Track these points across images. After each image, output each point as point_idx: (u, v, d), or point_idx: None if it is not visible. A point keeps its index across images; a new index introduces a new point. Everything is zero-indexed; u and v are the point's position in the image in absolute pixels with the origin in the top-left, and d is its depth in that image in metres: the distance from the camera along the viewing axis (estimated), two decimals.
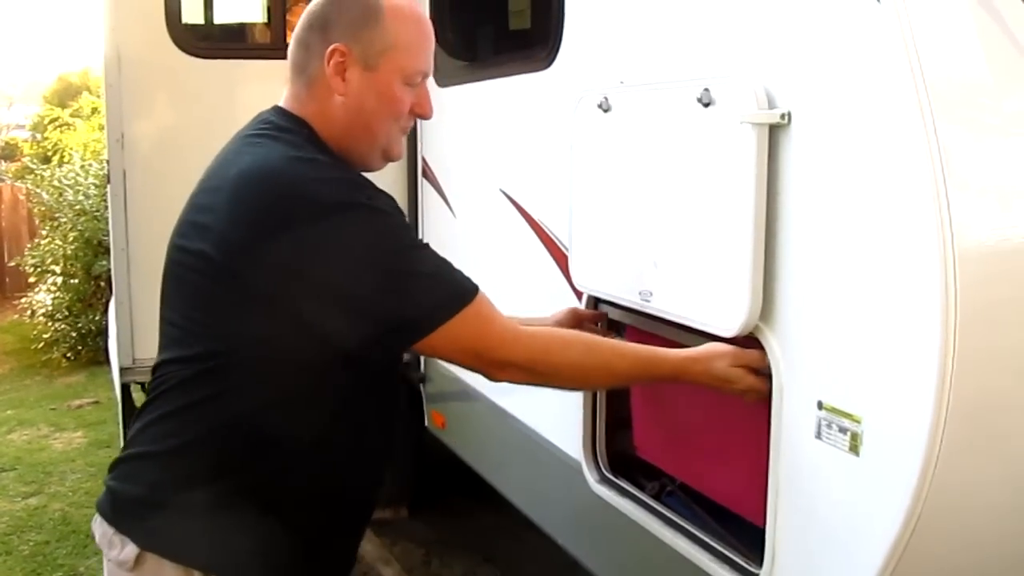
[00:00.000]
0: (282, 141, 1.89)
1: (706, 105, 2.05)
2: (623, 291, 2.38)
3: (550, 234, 2.95)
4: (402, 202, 4.15)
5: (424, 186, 4.05)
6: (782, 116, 1.91)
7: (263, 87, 4.23)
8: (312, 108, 1.94)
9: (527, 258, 3.09)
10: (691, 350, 2.04)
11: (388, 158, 2.00)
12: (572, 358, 1.94)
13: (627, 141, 2.37)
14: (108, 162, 4.06)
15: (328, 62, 1.90)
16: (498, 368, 1.91)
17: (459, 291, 1.85)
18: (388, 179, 4.16)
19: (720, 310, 2.03)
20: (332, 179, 1.82)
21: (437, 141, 3.96)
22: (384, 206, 1.82)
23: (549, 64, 2.96)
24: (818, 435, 1.88)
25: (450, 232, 3.84)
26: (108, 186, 4.11)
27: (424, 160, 4.04)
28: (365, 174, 1.97)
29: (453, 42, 3.94)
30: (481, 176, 3.53)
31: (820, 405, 1.87)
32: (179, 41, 3.97)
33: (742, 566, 2.12)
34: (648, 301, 2.27)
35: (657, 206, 2.25)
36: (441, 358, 1.94)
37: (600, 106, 2.45)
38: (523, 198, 3.15)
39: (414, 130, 4.11)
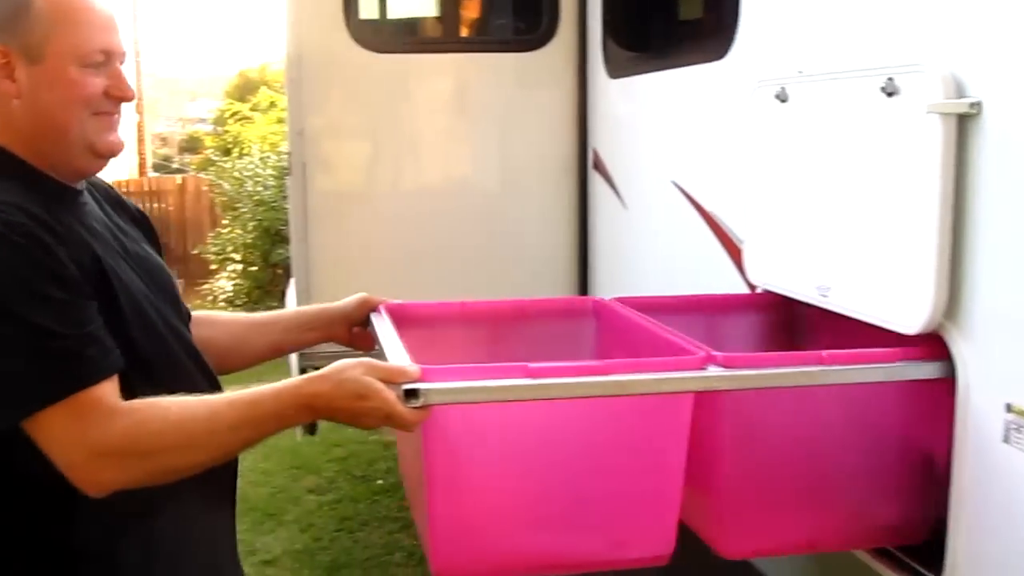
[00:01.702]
0: None
1: (890, 95, 1.99)
2: (800, 285, 2.33)
3: (723, 227, 2.91)
4: (572, 194, 4.17)
5: (594, 178, 4.05)
6: (972, 106, 1.83)
7: (435, 81, 4.33)
8: None
9: (699, 251, 3.05)
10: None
11: (97, 153, 1.77)
12: (172, 421, 1.62)
13: (806, 132, 2.32)
14: (289, 155, 4.20)
15: None
16: (95, 460, 1.59)
17: (72, 370, 1.58)
18: (557, 169, 4.19)
19: (902, 306, 1.97)
20: None
21: (608, 133, 3.96)
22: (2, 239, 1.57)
23: (724, 54, 2.92)
24: (1006, 439, 1.81)
25: (620, 224, 3.84)
26: (288, 178, 4.24)
27: (595, 152, 4.04)
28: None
29: (623, 33, 3.93)
30: (653, 168, 3.51)
31: (1009, 408, 1.80)
32: (356, 36, 4.07)
33: (921, 573, 2.06)
34: (826, 296, 2.22)
35: (837, 199, 2.19)
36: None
37: (777, 96, 2.40)
38: (696, 190, 3.12)
39: (583, 121, 4.11)
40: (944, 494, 1.99)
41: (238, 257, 10.92)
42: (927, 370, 1.94)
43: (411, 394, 1.67)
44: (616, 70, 3.87)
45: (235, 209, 11.31)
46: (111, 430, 1.58)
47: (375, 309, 2.21)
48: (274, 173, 10.75)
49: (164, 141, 33.63)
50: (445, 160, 4.39)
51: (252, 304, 10.41)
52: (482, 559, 1.88)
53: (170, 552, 1.81)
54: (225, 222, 12.02)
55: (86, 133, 1.74)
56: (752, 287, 2.60)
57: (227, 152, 15.12)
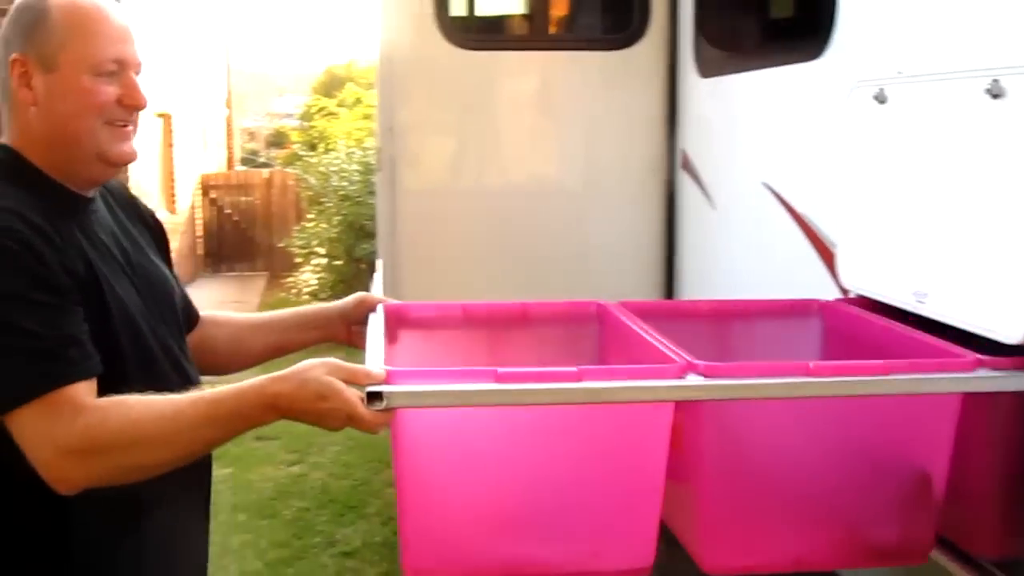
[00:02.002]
0: None
1: (995, 96, 1.94)
2: (896, 291, 2.28)
3: (815, 229, 2.87)
4: (658, 194, 4.14)
5: (683, 178, 4.02)
6: None
7: (523, 79, 4.33)
8: (16, 129, 1.84)
9: (789, 253, 3.01)
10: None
11: (107, 161, 1.83)
12: (134, 418, 1.65)
13: (905, 134, 2.27)
14: (378, 151, 4.22)
15: (12, 75, 1.80)
16: (61, 457, 1.62)
17: (49, 369, 1.64)
18: (644, 170, 4.16)
19: (1004, 315, 1.91)
20: None
21: (698, 133, 3.92)
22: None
23: (819, 54, 2.88)
24: None
25: (709, 225, 3.80)
26: (377, 173, 4.27)
27: (684, 152, 4.01)
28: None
29: (716, 32, 3.89)
30: (743, 168, 3.47)
31: None
32: (447, 32, 4.08)
33: None
34: (923, 303, 2.17)
35: (937, 203, 2.14)
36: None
37: (876, 97, 2.36)
38: (788, 192, 3.08)
39: (673, 121, 4.08)
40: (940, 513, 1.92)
41: (322, 251, 11.04)
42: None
43: (374, 397, 1.63)
44: (708, 69, 3.84)
45: (320, 204, 11.45)
46: (75, 427, 1.62)
47: (373, 309, 2.19)
48: (359, 168, 10.84)
49: (251, 135, 34.20)
50: (531, 159, 4.39)
51: (335, 298, 10.51)
52: (452, 562, 1.85)
53: (160, 555, 1.87)
54: (310, 216, 12.18)
55: (98, 142, 1.81)
56: (844, 291, 2.56)
57: (313, 147, 15.32)
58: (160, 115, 13.11)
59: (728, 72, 3.68)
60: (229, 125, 22.19)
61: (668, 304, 2.48)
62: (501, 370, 1.69)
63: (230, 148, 22.16)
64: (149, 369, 1.82)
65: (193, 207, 15.83)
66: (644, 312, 2.25)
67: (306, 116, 22.48)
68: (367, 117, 14.52)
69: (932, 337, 2.02)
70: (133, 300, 1.84)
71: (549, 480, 1.85)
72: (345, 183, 10.75)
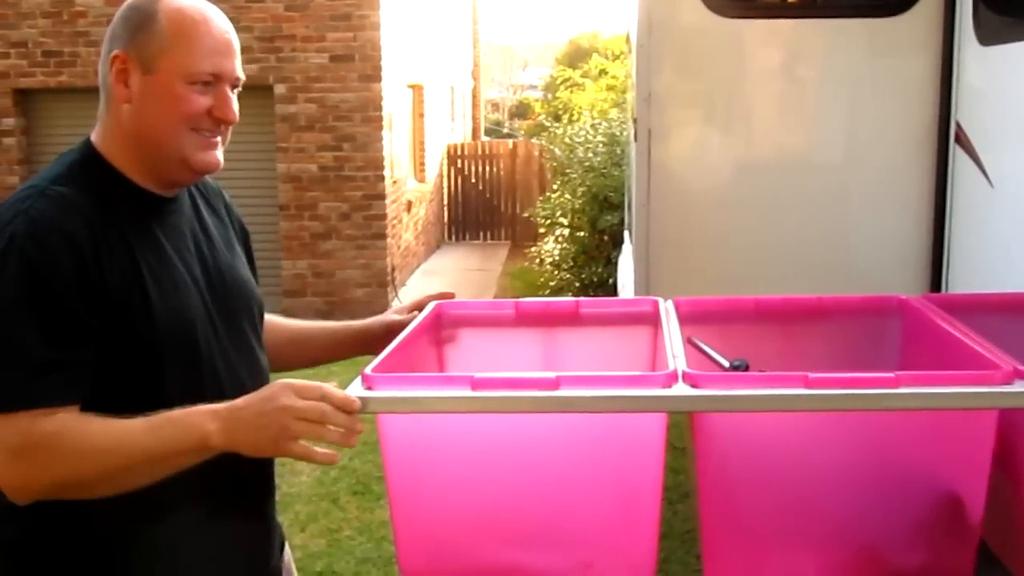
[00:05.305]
0: (44, 172, 1.87)
1: None
2: None
3: None
4: (928, 170, 3.92)
5: (956, 153, 3.79)
6: None
7: (783, 48, 4.17)
8: (107, 124, 1.90)
9: None
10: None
11: (191, 168, 1.89)
12: (91, 440, 1.68)
13: None
14: (634, 121, 4.17)
15: (111, 71, 1.86)
16: (8, 466, 1.68)
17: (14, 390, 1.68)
18: (910, 144, 3.94)
19: None
20: (7, 209, 1.77)
21: (977, 105, 3.68)
22: (20, 250, 1.70)
23: None
24: None
25: (985, 203, 3.56)
26: (633, 144, 4.23)
27: (958, 125, 3.78)
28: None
29: None
30: None
31: None
32: (708, 1, 3.98)
33: None
34: None
35: None
36: None
37: None
38: None
39: (947, 93, 3.85)
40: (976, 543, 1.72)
41: (565, 222, 11.10)
42: None
43: None
44: (989, 37, 3.59)
45: (565, 175, 11.51)
46: (31, 434, 1.67)
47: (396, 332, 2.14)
48: (604, 140, 10.83)
49: (495, 107, 34.85)
50: (789, 133, 4.23)
51: (577, 269, 10.58)
52: (445, 564, 1.86)
53: (175, 558, 1.89)
54: (554, 187, 12.27)
55: (182, 147, 1.86)
56: None
57: (557, 118, 15.42)
58: (411, 86, 13.47)
59: (1013, 40, 3.43)
60: (475, 96, 22.65)
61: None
62: (478, 376, 1.68)
63: (475, 119, 22.64)
64: (192, 371, 1.86)
65: (440, 176, 16.24)
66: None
67: (550, 87, 22.67)
68: (611, 88, 14.47)
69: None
70: (195, 303, 1.89)
71: (540, 487, 1.83)
72: (590, 154, 10.76)
